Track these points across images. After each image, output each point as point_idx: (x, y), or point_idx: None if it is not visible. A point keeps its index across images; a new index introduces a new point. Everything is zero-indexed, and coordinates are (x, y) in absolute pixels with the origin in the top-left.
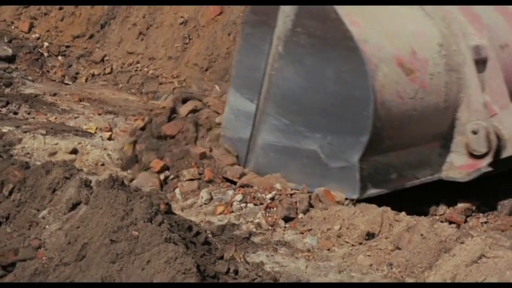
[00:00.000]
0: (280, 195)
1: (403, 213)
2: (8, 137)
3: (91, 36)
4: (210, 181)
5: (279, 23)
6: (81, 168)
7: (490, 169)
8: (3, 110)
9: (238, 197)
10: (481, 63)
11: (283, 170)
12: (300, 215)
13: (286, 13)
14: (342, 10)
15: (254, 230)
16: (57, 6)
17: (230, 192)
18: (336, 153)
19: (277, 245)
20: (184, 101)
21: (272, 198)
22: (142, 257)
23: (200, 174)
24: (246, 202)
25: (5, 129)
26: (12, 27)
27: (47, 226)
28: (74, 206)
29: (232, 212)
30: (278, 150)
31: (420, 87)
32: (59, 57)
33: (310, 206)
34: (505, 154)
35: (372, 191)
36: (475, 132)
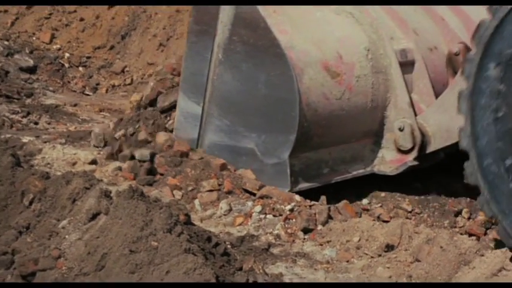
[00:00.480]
0: (299, 206)
1: (423, 225)
2: (29, 147)
3: (111, 47)
4: (229, 192)
5: (218, 32)
6: (101, 178)
7: (416, 163)
8: (24, 120)
9: (258, 208)
10: (408, 65)
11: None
12: (319, 227)
13: (224, 23)
14: (271, 20)
15: (273, 241)
16: (79, 17)
17: (249, 203)
18: (270, 151)
19: (296, 256)
20: None
21: (291, 210)
22: (162, 267)
23: (220, 185)
24: (265, 213)
25: (25, 140)
26: (34, 38)
27: (66, 236)
28: (94, 216)
29: (252, 223)
30: (222, 148)
31: (346, 88)
32: (80, 68)
33: (329, 217)
34: (429, 149)
35: (304, 185)
36: (401, 129)
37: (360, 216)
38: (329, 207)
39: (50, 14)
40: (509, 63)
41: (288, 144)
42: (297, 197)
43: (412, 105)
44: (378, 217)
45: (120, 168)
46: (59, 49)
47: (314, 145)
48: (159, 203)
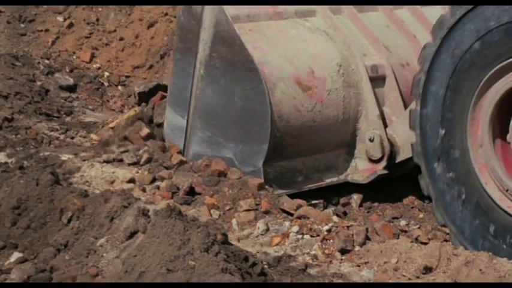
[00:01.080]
0: (337, 227)
1: (462, 247)
2: (68, 165)
3: (150, 67)
4: (266, 212)
5: (200, 50)
6: (139, 197)
7: (385, 172)
8: (62, 137)
9: (295, 228)
10: (379, 80)
11: None
12: (357, 248)
13: (205, 41)
14: (247, 37)
15: (310, 261)
16: (118, 37)
17: (287, 223)
18: (246, 160)
19: (334, 277)
20: None
21: (329, 230)
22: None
23: (257, 204)
24: (303, 233)
25: (64, 157)
26: (74, 57)
27: (104, 254)
28: (132, 235)
29: (289, 243)
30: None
31: (318, 101)
32: (119, 87)
33: (367, 238)
34: (398, 159)
35: (279, 191)
36: (371, 140)
37: (398, 238)
38: (367, 228)
39: (91, 34)
40: (449, 87)
41: (261, 154)
42: (335, 218)
43: (381, 117)
44: (416, 239)
45: (158, 187)
46: (99, 68)
47: (287, 154)
48: (197, 222)
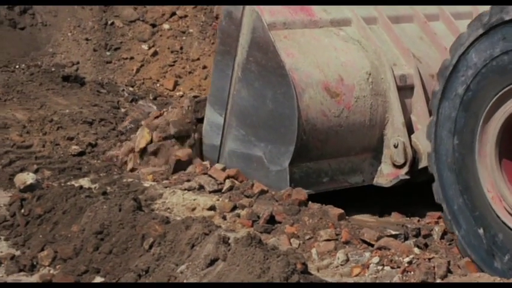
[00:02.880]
0: (418, 259)
1: None
2: (150, 191)
3: None
4: (346, 242)
5: (238, 53)
6: (219, 224)
7: (407, 177)
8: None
9: (375, 259)
10: (407, 89)
11: (243, 171)
12: (438, 280)
13: (242, 45)
14: (280, 44)
15: None
16: (201, 65)
17: (367, 254)
18: (274, 159)
19: None
20: None
21: (409, 262)
22: None
23: (337, 235)
24: (383, 265)
25: (146, 184)
26: (158, 84)
27: (185, 281)
28: (212, 262)
29: (369, 274)
30: (238, 155)
31: (345, 107)
32: None
33: (449, 271)
34: (421, 165)
35: (304, 190)
36: (395, 146)
37: (481, 271)
38: (448, 261)
39: (174, 62)
40: (463, 102)
41: (288, 154)
42: (416, 250)
43: (406, 124)
44: None
45: (238, 215)
46: (182, 96)
47: (313, 156)
48: (277, 251)
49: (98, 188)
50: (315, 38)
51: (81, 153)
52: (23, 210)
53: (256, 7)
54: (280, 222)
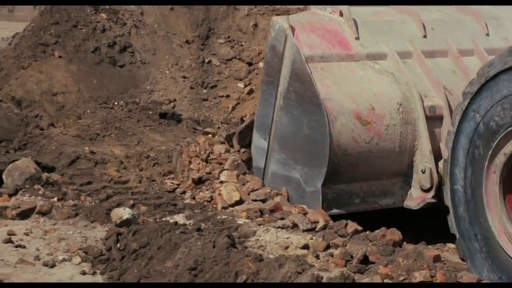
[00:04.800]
0: None
1: None
2: (243, 228)
3: None
4: None
5: (280, 83)
6: (313, 263)
7: (433, 201)
8: None
9: None
10: (436, 119)
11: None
12: None
13: (284, 76)
14: (317, 75)
15: None
16: None
17: None
18: (309, 181)
19: None
20: None
21: None
22: None
23: (432, 276)
24: None
25: (240, 221)
26: None
27: None
28: None
29: None
30: (280, 177)
31: (375, 135)
32: None
33: None
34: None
35: (335, 211)
36: (423, 171)
37: None
38: None
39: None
40: (471, 143)
41: (321, 176)
42: None
43: (433, 152)
44: None
45: (331, 255)
46: None
47: (345, 179)
48: None
49: (192, 224)
50: (350, 70)
51: (176, 190)
52: (118, 245)
53: (296, 41)
54: (373, 263)
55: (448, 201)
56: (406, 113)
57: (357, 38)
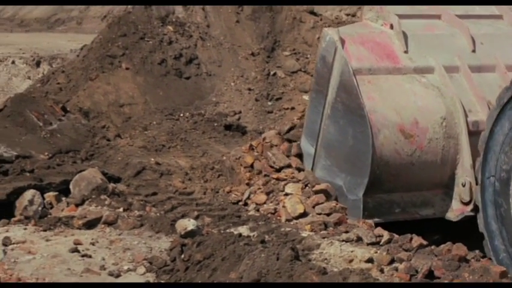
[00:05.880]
0: None
1: None
2: (307, 241)
3: None
4: None
5: (329, 93)
6: (377, 277)
7: (472, 214)
8: None
9: None
10: (479, 134)
11: None
12: None
13: (332, 86)
14: (363, 88)
15: None
16: None
17: None
18: (351, 189)
19: None
20: None
21: None
22: None
23: None
24: None
25: (304, 234)
26: None
27: None
28: None
29: None
30: (323, 183)
31: (418, 148)
32: None
33: None
34: None
35: (376, 219)
36: (463, 185)
37: None
38: None
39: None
40: (502, 149)
41: (362, 186)
42: None
43: (474, 167)
44: None
45: (396, 269)
46: None
47: (386, 189)
48: None
49: (256, 236)
50: (397, 83)
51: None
52: (183, 256)
53: (345, 53)
54: (439, 278)
55: (478, 202)
56: (449, 127)
57: (406, 52)
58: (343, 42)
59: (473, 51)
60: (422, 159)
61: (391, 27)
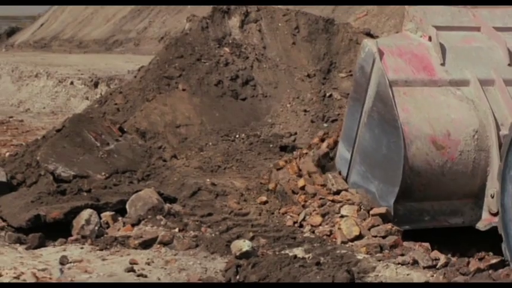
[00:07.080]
0: None
1: None
2: (363, 264)
3: None
4: None
5: (366, 102)
6: None
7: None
8: None
9: None
10: None
11: None
12: None
13: (369, 95)
14: (399, 99)
15: None
16: None
17: None
18: (383, 196)
19: None
20: None
21: None
22: None
23: None
24: None
25: (359, 256)
26: None
27: None
28: None
29: None
30: (358, 187)
31: (449, 159)
32: None
33: None
34: None
35: (406, 226)
36: (492, 196)
37: None
38: None
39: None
40: None
41: (393, 194)
42: None
43: None
44: None
45: None
46: None
47: (416, 197)
48: None
49: (311, 258)
50: (432, 95)
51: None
52: (238, 277)
53: (382, 65)
54: None
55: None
56: (481, 140)
57: (442, 64)
58: (381, 53)
59: (510, 64)
60: (453, 170)
61: (430, 39)
